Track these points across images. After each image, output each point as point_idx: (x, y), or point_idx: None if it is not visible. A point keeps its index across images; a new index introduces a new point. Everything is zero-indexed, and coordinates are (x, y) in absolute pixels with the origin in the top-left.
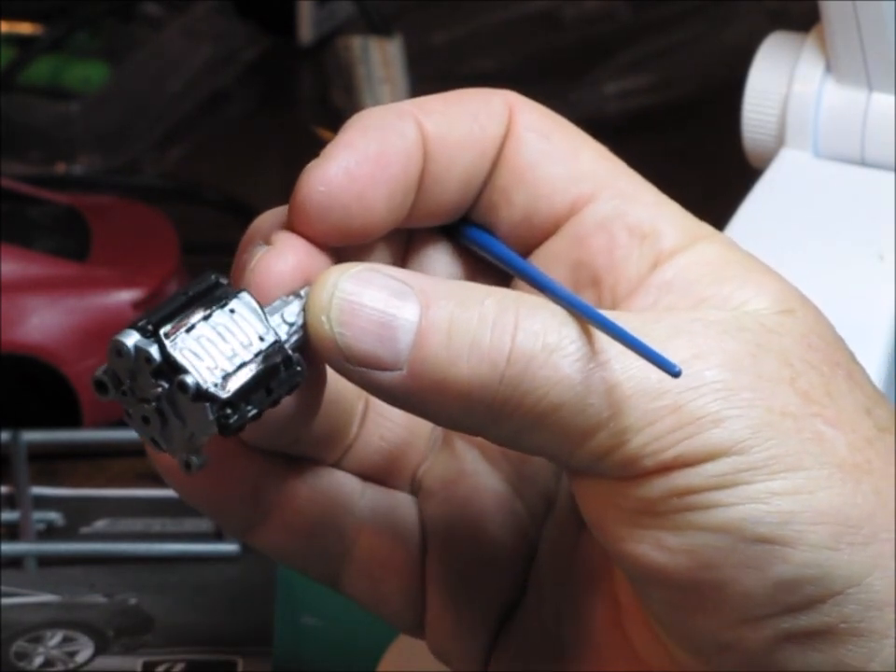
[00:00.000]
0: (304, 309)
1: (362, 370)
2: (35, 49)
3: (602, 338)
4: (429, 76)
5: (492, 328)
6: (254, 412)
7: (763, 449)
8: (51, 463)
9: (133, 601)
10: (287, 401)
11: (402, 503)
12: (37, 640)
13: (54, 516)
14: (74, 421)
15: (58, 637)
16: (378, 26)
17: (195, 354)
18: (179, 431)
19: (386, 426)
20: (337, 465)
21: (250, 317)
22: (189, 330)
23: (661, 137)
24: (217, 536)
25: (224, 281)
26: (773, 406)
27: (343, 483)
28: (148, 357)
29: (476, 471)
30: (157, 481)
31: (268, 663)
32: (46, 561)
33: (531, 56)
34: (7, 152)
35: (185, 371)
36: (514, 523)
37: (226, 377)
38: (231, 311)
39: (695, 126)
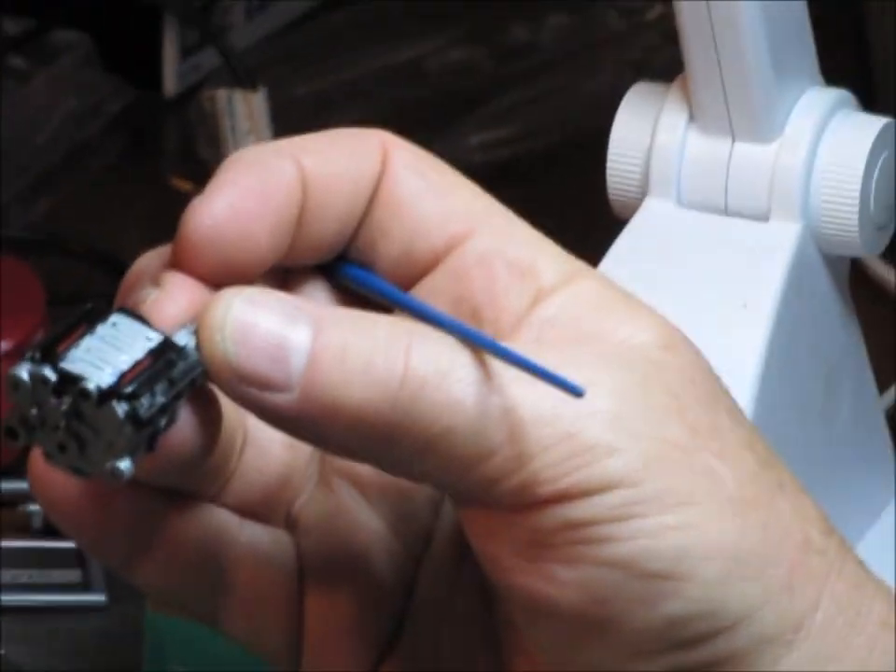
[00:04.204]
0: (196, 332)
1: (254, 391)
2: None
3: (495, 364)
4: (294, 128)
5: (385, 352)
6: (162, 400)
7: (655, 482)
8: None
9: (0, 652)
10: (188, 432)
11: (280, 539)
12: None
13: None
14: None
15: None
16: (243, 79)
17: (88, 363)
18: (96, 446)
19: (265, 460)
20: (214, 500)
21: (134, 325)
22: (76, 346)
23: (526, 187)
24: (85, 586)
25: (99, 306)
26: (663, 437)
27: (222, 519)
28: (44, 379)
29: (353, 509)
30: (23, 532)
31: None
32: None
33: (395, 107)
34: None
35: (82, 379)
36: (391, 560)
37: (123, 374)
38: (114, 324)
39: (561, 176)
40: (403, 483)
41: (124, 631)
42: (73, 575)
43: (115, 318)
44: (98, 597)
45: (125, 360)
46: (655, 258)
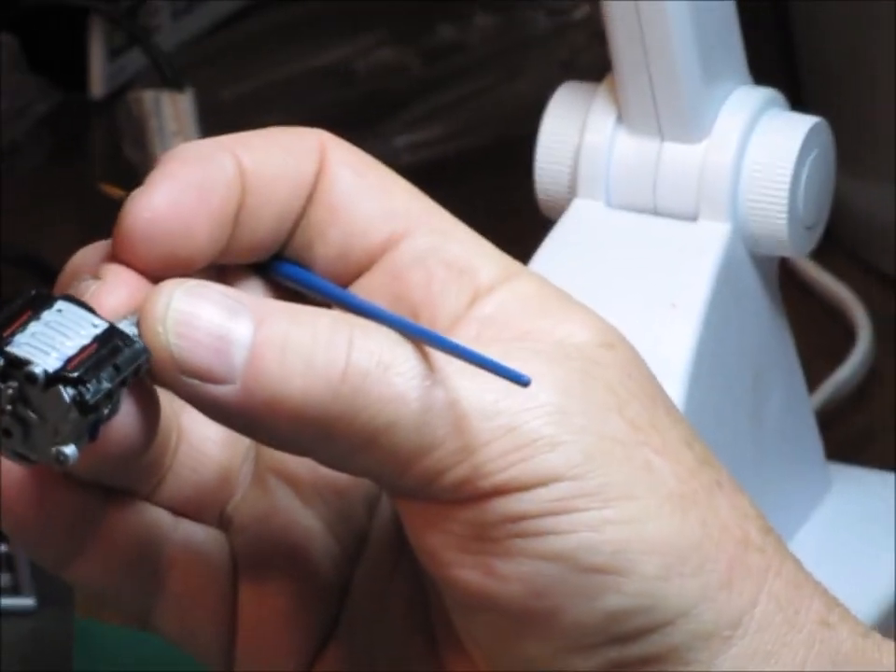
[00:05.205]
0: (138, 323)
1: (195, 383)
2: None
3: (437, 357)
4: (221, 130)
5: (326, 345)
6: (108, 386)
7: (596, 476)
8: None
9: None
10: (129, 423)
11: (214, 538)
12: None
13: None
14: None
15: None
16: (170, 80)
17: (34, 347)
18: (42, 431)
19: (199, 459)
20: (149, 498)
21: (79, 311)
22: (22, 331)
23: (453, 189)
24: (14, 590)
25: (44, 292)
26: (604, 432)
27: (156, 517)
28: None
29: (288, 508)
30: None
31: None
32: None
33: (322, 109)
34: None
35: (28, 363)
36: (327, 560)
37: (70, 359)
38: (59, 310)
39: (489, 177)
40: (339, 482)
41: (54, 635)
42: (2, 579)
43: (60, 305)
44: (27, 601)
45: (71, 346)
46: (584, 258)
